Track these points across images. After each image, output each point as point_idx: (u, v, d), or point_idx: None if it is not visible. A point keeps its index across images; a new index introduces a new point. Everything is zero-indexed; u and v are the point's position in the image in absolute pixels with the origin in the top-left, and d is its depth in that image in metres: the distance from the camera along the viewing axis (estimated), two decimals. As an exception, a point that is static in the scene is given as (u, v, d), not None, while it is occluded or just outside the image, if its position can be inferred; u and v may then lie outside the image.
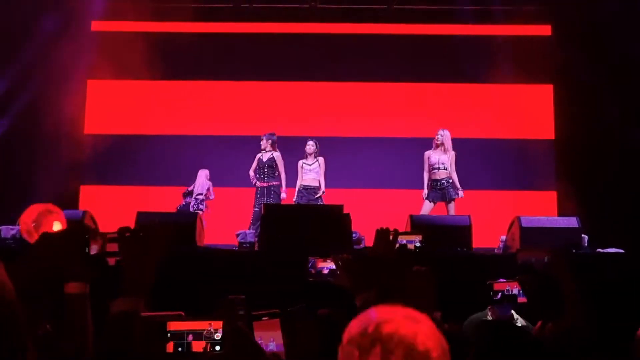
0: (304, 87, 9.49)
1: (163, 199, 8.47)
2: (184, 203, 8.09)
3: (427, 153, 7.43)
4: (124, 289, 1.49)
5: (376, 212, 8.02)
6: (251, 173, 7.84)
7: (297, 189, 7.74)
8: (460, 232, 5.73)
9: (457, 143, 7.59)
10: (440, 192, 7.23)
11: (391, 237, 1.91)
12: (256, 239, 6.30)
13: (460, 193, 7.23)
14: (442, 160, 7.30)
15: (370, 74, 9.38)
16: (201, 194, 7.99)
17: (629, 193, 8.56)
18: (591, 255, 5.77)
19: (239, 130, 9.20)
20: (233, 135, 9.20)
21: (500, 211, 7.96)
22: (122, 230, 1.59)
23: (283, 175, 7.76)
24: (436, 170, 7.28)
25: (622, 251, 5.99)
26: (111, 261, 1.62)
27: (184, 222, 5.81)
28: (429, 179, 7.35)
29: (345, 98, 9.45)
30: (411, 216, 5.92)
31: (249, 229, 7.04)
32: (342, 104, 9.42)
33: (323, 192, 7.65)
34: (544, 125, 9.45)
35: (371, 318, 1.07)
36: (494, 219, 7.44)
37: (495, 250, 6.46)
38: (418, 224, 5.70)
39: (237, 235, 6.48)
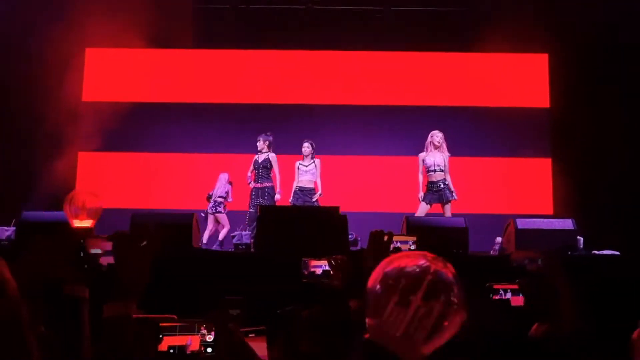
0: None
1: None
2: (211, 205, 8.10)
3: (421, 155, 7.41)
4: (117, 292, 1.50)
5: (372, 214, 8.04)
6: (249, 174, 7.85)
7: (293, 190, 7.74)
8: (456, 233, 5.74)
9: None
10: (437, 194, 7.22)
11: (385, 239, 1.91)
12: (252, 240, 6.30)
13: (455, 195, 7.23)
14: (437, 162, 7.30)
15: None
16: (221, 197, 8.01)
17: (626, 191, 8.58)
18: (586, 257, 5.79)
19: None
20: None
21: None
22: (117, 235, 1.59)
23: (278, 177, 7.76)
24: (432, 173, 7.27)
25: (618, 253, 6.01)
26: (104, 264, 1.63)
27: (181, 223, 5.80)
28: (425, 181, 7.35)
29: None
30: (407, 217, 5.93)
31: (245, 230, 6.99)
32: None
33: (320, 195, 7.64)
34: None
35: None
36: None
37: (491, 252, 6.47)
38: (414, 226, 5.70)
39: (233, 237, 6.48)
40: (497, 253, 6.29)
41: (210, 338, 1.55)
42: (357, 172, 8.46)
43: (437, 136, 7.40)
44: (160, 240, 1.64)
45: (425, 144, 7.43)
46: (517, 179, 9.11)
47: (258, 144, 7.86)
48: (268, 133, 7.93)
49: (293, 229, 5.71)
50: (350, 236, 6.43)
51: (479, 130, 9.10)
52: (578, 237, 6.05)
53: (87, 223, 1.65)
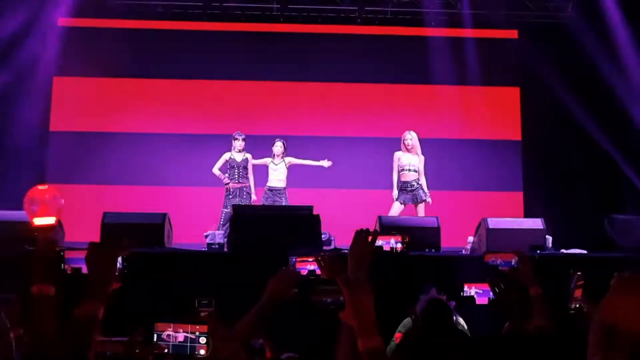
0: (270, 86, 9.48)
1: (127, 199, 8.40)
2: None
3: (397, 154, 7.42)
4: (87, 294, 1.56)
5: (345, 213, 8.04)
6: (217, 171, 7.67)
7: (264, 189, 7.67)
8: (428, 233, 5.80)
9: (424, 143, 7.64)
10: (410, 193, 7.24)
11: (370, 239, 1.92)
12: (225, 239, 6.28)
13: (428, 199, 7.25)
14: (412, 162, 7.29)
15: (340, 75, 9.42)
16: None
17: (592, 194, 8.80)
18: (555, 256, 5.91)
19: (204, 129, 9.18)
20: (198, 134, 9.16)
21: (468, 212, 8.08)
22: (90, 246, 1.67)
23: (252, 177, 7.70)
24: (406, 172, 7.28)
25: (585, 252, 6.15)
26: (68, 269, 1.69)
27: (153, 222, 5.75)
28: (399, 181, 7.42)
29: (313, 98, 9.47)
30: (380, 217, 5.97)
31: (218, 230, 6.93)
32: (310, 103, 9.44)
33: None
34: (511, 127, 9.63)
35: None
36: (461, 219, 7.53)
37: (463, 251, 6.55)
38: (387, 225, 5.75)
39: (206, 236, 6.44)
40: (469, 252, 6.38)
41: (203, 340, 1.57)
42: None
43: (406, 138, 7.39)
44: (131, 246, 1.70)
45: (402, 144, 7.47)
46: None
47: (236, 142, 7.71)
48: (241, 134, 7.81)
49: (267, 229, 5.71)
50: (323, 235, 6.46)
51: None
52: (547, 236, 6.17)
53: (49, 220, 1.61)
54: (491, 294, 2.35)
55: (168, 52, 9.32)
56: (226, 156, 7.72)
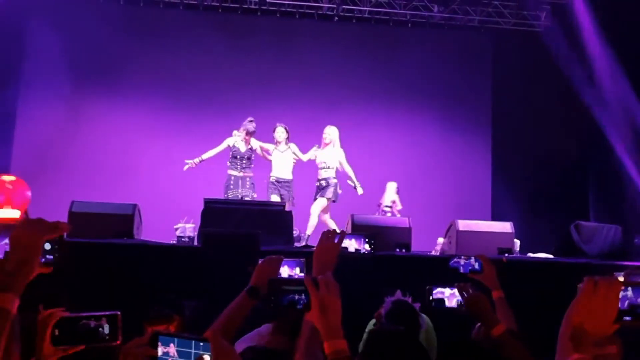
0: (244, 77, 9.44)
1: (96, 189, 8.26)
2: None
3: (316, 148, 7.12)
4: (2, 284, 1.35)
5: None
6: (205, 156, 7.06)
7: (269, 180, 7.13)
8: (400, 233, 5.84)
9: (400, 143, 7.63)
10: (320, 190, 6.97)
11: (336, 241, 1.92)
12: (195, 233, 6.22)
13: (359, 190, 7.01)
14: (324, 159, 7.00)
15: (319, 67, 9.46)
16: (388, 206, 8.05)
17: (559, 199, 8.97)
18: (522, 260, 6.00)
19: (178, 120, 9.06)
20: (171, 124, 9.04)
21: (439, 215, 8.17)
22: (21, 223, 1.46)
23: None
24: (320, 170, 7.02)
25: (552, 256, 6.27)
26: None
27: (122, 213, 5.66)
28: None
29: (289, 90, 9.46)
30: (352, 216, 5.99)
31: (188, 222, 6.71)
32: (286, 95, 9.43)
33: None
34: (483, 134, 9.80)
35: None
36: (432, 223, 7.60)
37: (432, 252, 6.62)
38: (359, 225, 5.77)
39: (176, 229, 6.37)
40: (438, 253, 6.45)
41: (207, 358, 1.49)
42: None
43: (326, 132, 7.09)
44: (67, 230, 1.52)
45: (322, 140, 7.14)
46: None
47: (250, 126, 7.07)
48: (251, 119, 7.18)
49: (238, 223, 5.68)
50: (294, 232, 6.45)
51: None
52: (515, 239, 6.27)
53: (14, 213, 1.54)
54: (459, 297, 2.38)
55: (142, 39, 9.20)
56: (229, 142, 7.15)
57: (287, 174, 7.09)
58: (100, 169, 8.86)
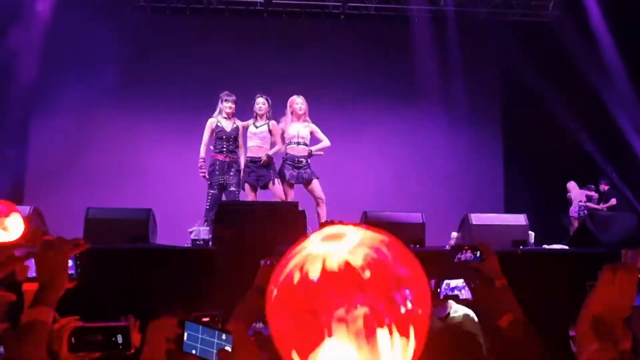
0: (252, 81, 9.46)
1: (111, 195, 8.32)
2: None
3: (282, 124, 6.39)
4: (36, 298, 1.49)
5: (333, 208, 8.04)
6: (202, 152, 6.44)
7: (244, 162, 6.43)
8: (413, 229, 5.83)
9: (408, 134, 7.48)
10: (297, 171, 6.30)
11: None
12: (210, 236, 6.24)
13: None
14: (301, 133, 6.31)
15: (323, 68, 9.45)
16: (581, 201, 8.62)
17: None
18: (537, 251, 5.98)
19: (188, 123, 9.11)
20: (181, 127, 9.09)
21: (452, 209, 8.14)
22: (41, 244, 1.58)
23: (244, 149, 6.45)
24: (294, 145, 6.29)
25: (567, 247, 6.23)
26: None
27: (137, 218, 5.71)
28: (285, 154, 6.35)
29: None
30: (365, 212, 5.98)
31: (205, 221, 6.62)
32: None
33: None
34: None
35: None
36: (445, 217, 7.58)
37: (447, 247, 6.60)
38: (372, 221, 5.77)
39: (190, 232, 6.40)
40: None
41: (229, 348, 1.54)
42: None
43: (297, 102, 6.37)
44: (86, 244, 1.65)
45: (286, 112, 6.46)
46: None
47: (227, 105, 6.37)
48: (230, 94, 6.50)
49: (253, 225, 5.68)
50: (308, 232, 6.45)
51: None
52: (530, 232, 6.24)
53: (13, 234, 1.55)
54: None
55: (150, 46, 9.26)
56: (211, 123, 6.43)
57: (260, 152, 6.30)
58: (112, 174, 8.93)
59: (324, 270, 0.76)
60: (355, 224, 0.84)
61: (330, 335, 0.74)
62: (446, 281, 2.41)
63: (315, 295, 0.75)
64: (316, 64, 9.46)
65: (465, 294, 2.40)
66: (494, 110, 9.82)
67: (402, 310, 0.76)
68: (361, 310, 0.74)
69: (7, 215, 1.78)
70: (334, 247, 0.78)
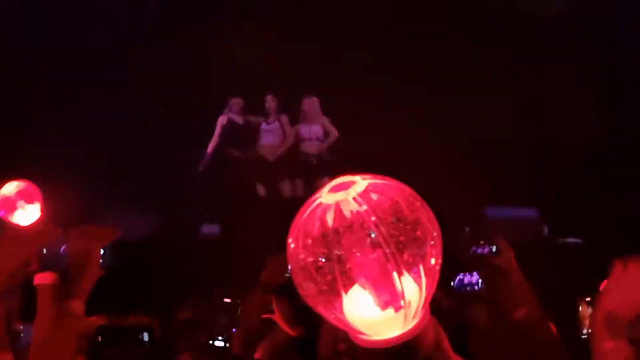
0: None
1: None
2: None
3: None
4: (68, 290, 1.46)
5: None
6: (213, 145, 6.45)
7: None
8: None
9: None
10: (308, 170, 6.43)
11: None
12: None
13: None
14: (316, 130, 6.48)
15: None
16: None
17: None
18: (551, 244, 5.95)
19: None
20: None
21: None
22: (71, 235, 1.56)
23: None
24: (309, 142, 6.44)
25: (580, 241, 6.18)
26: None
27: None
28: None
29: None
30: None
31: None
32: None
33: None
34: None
35: None
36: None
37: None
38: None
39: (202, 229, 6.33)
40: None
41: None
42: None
43: (311, 102, 6.50)
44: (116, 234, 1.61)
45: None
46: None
47: (236, 102, 6.42)
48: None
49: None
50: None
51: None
52: (543, 225, 6.21)
53: (32, 210, 1.56)
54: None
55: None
56: (222, 121, 6.52)
57: (271, 153, 6.37)
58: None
59: (337, 217, 0.78)
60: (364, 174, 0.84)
61: (352, 282, 0.77)
62: (459, 277, 2.41)
63: (333, 243, 0.77)
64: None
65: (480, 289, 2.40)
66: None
67: (414, 255, 0.79)
68: (374, 255, 0.77)
69: (30, 201, 1.77)
70: (342, 195, 0.80)
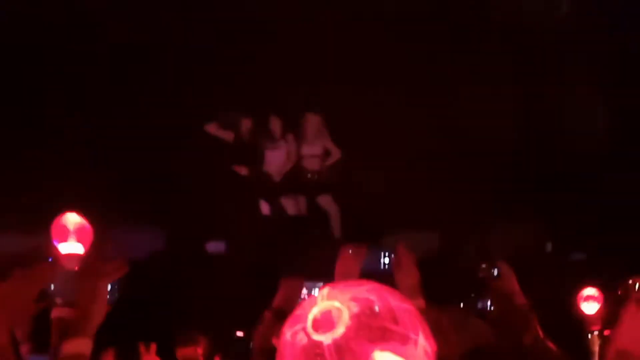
0: None
1: None
2: None
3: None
4: (73, 328, 1.45)
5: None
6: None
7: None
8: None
9: None
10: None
11: (357, 256, 1.94)
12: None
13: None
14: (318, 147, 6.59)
15: None
16: None
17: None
18: (554, 260, 5.95)
19: None
20: None
21: None
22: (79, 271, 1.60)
23: None
24: (310, 159, 6.57)
25: (584, 256, 6.19)
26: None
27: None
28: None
29: None
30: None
31: None
32: None
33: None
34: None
35: None
36: None
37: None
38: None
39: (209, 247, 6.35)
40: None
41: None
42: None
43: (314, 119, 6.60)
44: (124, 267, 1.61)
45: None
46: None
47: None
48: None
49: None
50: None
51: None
52: (546, 241, 6.21)
53: (77, 248, 1.61)
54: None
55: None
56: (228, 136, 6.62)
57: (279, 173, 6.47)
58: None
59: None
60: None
61: None
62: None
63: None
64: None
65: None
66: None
67: None
68: None
69: (80, 240, 1.83)
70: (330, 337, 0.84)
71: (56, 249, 1.81)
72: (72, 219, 1.82)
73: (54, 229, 1.83)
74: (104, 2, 7.36)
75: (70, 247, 1.81)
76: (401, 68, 8.08)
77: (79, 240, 1.81)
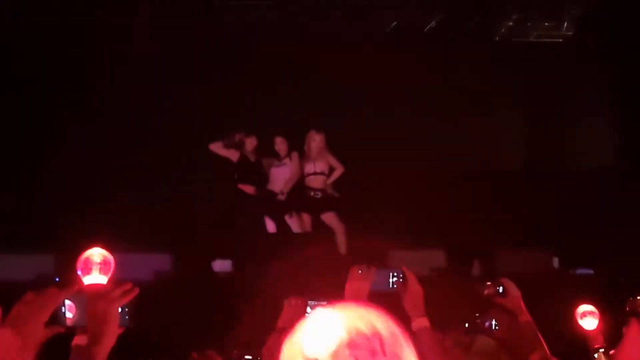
0: None
1: None
2: None
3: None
4: (87, 354, 1.48)
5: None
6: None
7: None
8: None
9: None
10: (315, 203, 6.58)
11: (366, 275, 1.96)
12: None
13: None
14: (323, 166, 6.63)
15: None
16: None
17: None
18: (561, 276, 5.93)
19: None
20: None
21: None
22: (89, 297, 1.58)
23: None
24: (315, 176, 6.57)
25: (592, 272, 6.16)
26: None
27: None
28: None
29: None
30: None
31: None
32: None
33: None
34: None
35: None
36: None
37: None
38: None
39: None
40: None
41: None
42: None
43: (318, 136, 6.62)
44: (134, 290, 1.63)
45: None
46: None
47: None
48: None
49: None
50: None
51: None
52: (553, 257, 6.19)
53: (101, 279, 1.66)
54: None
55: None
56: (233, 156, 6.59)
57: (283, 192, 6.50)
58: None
59: None
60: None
61: None
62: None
63: None
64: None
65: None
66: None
67: None
68: None
69: (104, 272, 1.87)
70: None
71: (80, 281, 1.84)
72: (98, 252, 1.87)
73: (80, 262, 1.86)
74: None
75: (95, 279, 1.84)
76: (407, 85, 8.17)
77: (102, 273, 1.85)
